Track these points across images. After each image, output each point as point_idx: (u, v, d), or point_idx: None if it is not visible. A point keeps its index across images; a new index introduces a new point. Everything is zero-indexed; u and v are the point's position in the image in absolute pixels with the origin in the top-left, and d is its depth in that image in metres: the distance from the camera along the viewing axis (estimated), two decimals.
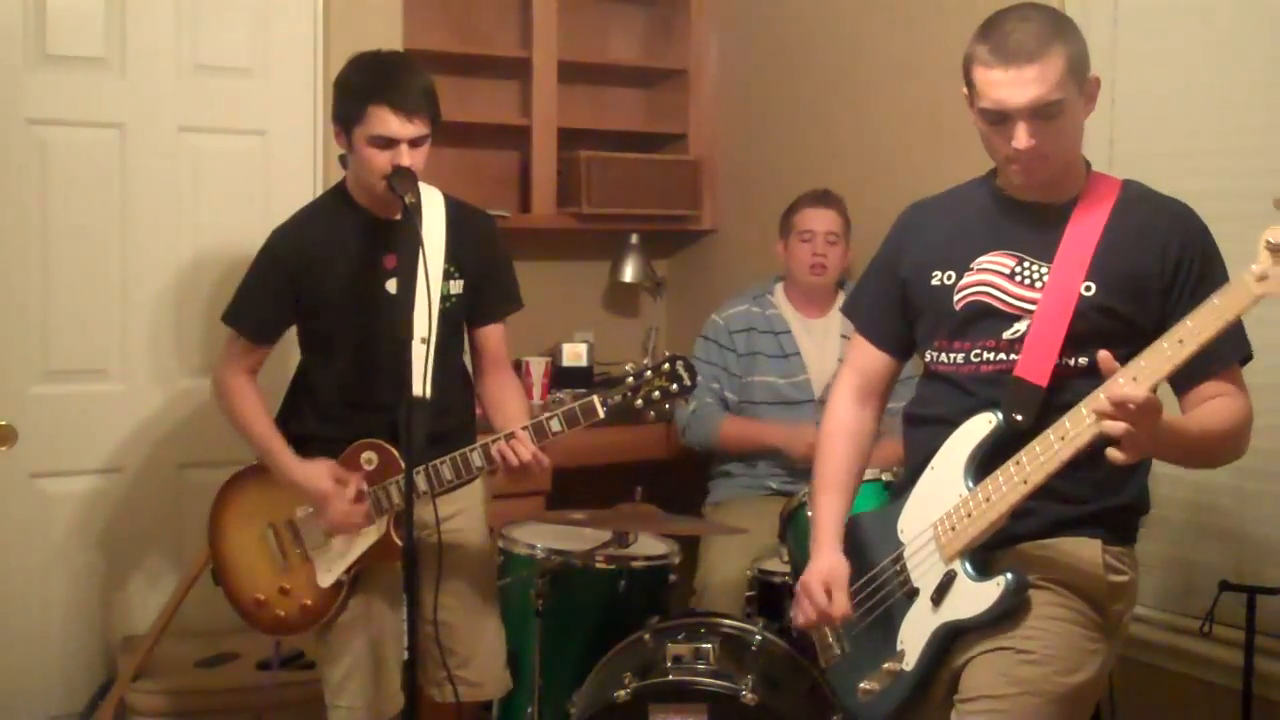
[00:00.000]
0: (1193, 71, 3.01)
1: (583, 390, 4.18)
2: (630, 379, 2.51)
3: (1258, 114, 2.89)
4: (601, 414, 2.51)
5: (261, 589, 2.74)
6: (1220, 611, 2.80)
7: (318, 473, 2.63)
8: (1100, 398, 1.85)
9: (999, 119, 2.05)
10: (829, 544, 2.28)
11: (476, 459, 2.57)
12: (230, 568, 2.79)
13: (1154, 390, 1.83)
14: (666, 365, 2.51)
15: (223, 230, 3.50)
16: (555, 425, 2.53)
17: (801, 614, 2.28)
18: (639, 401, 2.50)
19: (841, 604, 2.22)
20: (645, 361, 2.55)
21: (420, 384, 2.51)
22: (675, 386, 2.50)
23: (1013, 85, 2.00)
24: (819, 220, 3.56)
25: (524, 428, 2.53)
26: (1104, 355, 1.86)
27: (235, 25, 3.53)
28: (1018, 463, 2.01)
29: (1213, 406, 2.02)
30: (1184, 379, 2.01)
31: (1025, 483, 1.99)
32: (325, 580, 2.67)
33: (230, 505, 2.80)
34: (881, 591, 2.21)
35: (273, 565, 2.73)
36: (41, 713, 3.39)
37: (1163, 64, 3.07)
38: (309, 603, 2.69)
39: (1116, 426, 1.81)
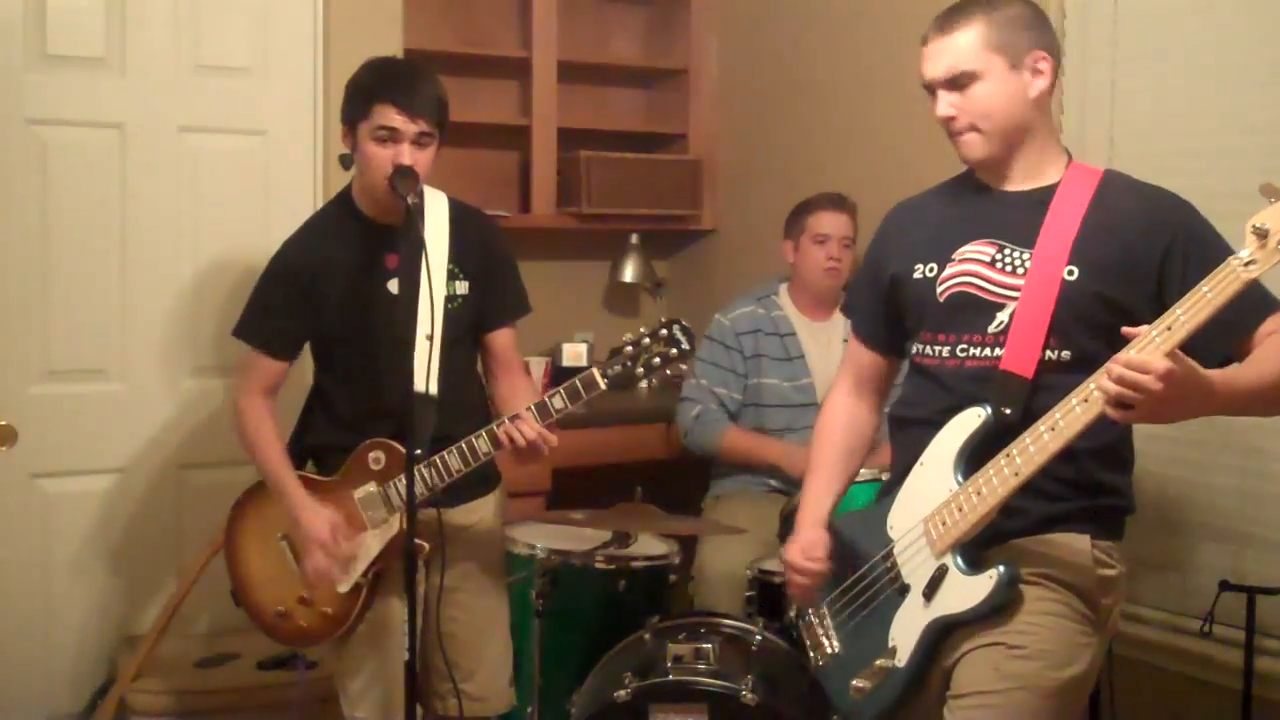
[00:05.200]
0: (1193, 71, 3.01)
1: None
2: (629, 348, 2.49)
3: (1257, 114, 2.89)
4: (603, 385, 2.50)
5: (282, 601, 2.71)
6: (1220, 611, 2.80)
7: (319, 521, 2.61)
8: (1113, 366, 1.83)
9: (929, 93, 2.17)
10: (807, 522, 2.34)
11: (483, 445, 2.55)
12: (248, 585, 2.76)
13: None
14: (664, 331, 2.49)
15: (223, 230, 3.51)
16: (558, 402, 2.52)
17: (794, 588, 2.34)
18: (639, 369, 2.49)
19: (820, 561, 2.28)
20: (642, 330, 2.52)
21: (424, 380, 2.50)
22: (674, 351, 2.48)
23: (928, 59, 2.16)
24: (835, 224, 3.55)
25: (527, 408, 2.53)
26: (1127, 329, 1.86)
27: (235, 25, 3.53)
28: (1008, 456, 2.01)
29: (1269, 347, 2.00)
30: (1229, 340, 2.00)
31: (1017, 475, 2.00)
32: (344, 585, 2.65)
33: (242, 525, 2.78)
34: (872, 589, 2.21)
35: (290, 576, 2.70)
36: (41, 713, 3.38)
37: (1163, 64, 3.08)
38: (330, 610, 2.66)
39: (1125, 393, 1.82)
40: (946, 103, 2.14)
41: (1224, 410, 1.97)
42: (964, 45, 2.11)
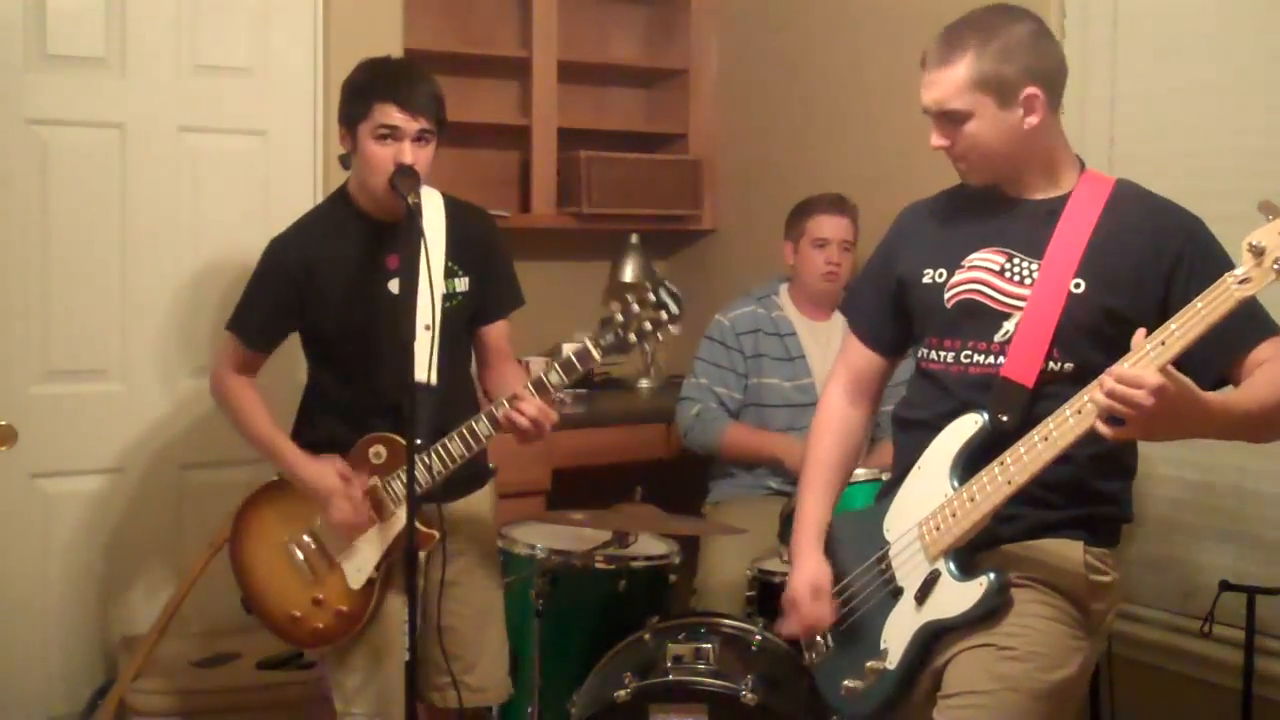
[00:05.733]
0: (1193, 71, 3.01)
1: (583, 390, 4.20)
2: (619, 316, 2.47)
3: (1257, 114, 2.89)
4: (597, 356, 2.49)
5: (295, 605, 2.70)
6: (1220, 611, 2.80)
7: (324, 470, 2.62)
8: (1106, 379, 1.83)
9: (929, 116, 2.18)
10: (810, 548, 2.30)
11: (483, 428, 2.54)
12: (260, 593, 2.75)
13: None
14: (652, 295, 2.46)
15: (223, 230, 3.50)
16: (554, 377, 2.51)
17: (790, 624, 2.31)
18: (631, 336, 2.47)
19: (827, 611, 2.25)
20: (629, 296, 2.49)
21: (424, 370, 2.49)
22: (664, 314, 2.45)
23: (924, 86, 2.15)
24: (834, 228, 3.54)
25: (525, 386, 2.52)
26: (1139, 334, 1.85)
27: (235, 25, 3.53)
28: (1002, 463, 2.01)
29: (1266, 372, 2.00)
30: (1224, 360, 2.01)
31: (1009, 483, 2.00)
32: (357, 582, 2.64)
33: (247, 533, 2.77)
34: (866, 590, 2.22)
35: (301, 579, 2.70)
36: (41, 713, 3.39)
37: (1163, 64, 3.08)
38: (344, 608, 2.66)
39: (1116, 407, 1.82)
40: (939, 134, 2.15)
41: (1218, 434, 1.96)
42: (953, 83, 2.09)
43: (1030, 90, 2.09)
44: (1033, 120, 2.10)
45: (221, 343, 2.80)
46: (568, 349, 4.21)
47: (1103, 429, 1.86)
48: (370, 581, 2.64)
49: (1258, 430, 2.00)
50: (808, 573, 2.28)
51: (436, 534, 2.58)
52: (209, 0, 3.49)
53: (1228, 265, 2.01)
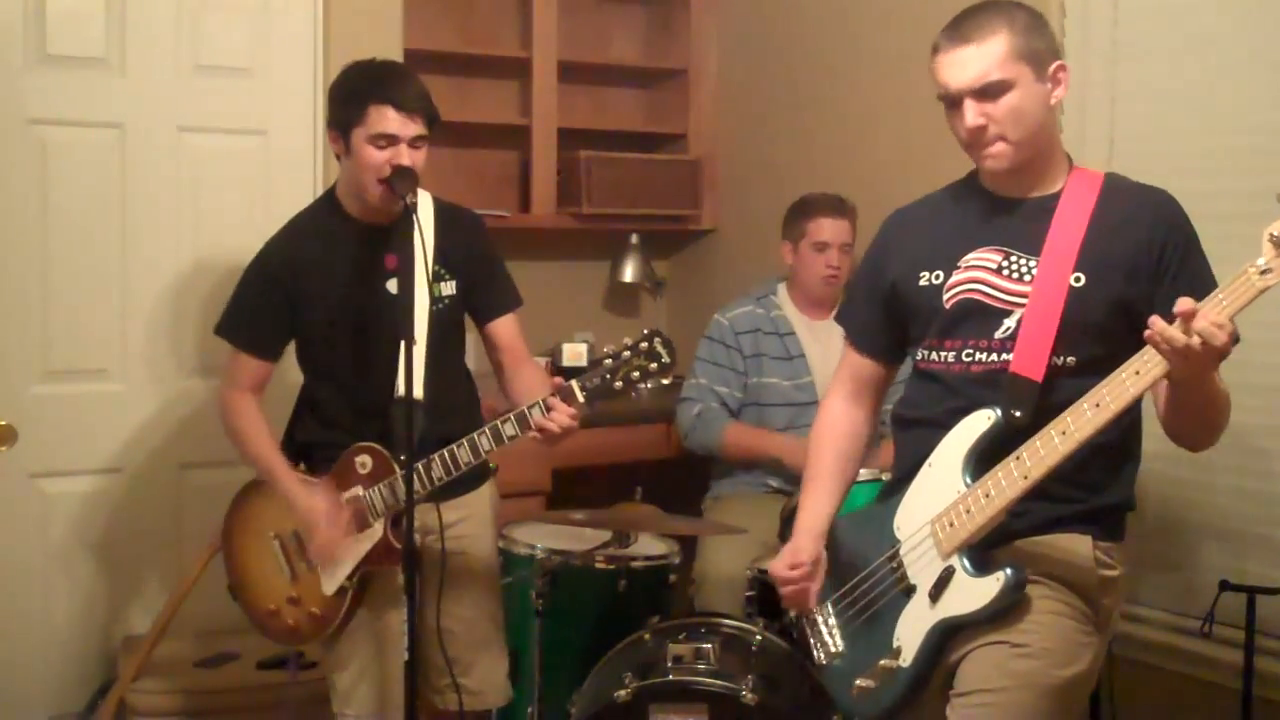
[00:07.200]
0: (1193, 71, 3.01)
1: None
2: (609, 360, 2.47)
3: (1258, 114, 2.89)
4: (581, 398, 2.47)
5: (273, 600, 2.74)
6: (1220, 611, 2.80)
7: (315, 502, 2.63)
8: (1182, 324, 1.82)
9: (951, 102, 2.13)
10: (800, 533, 2.31)
11: (464, 454, 2.56)
12: (244, 581, 2.79)
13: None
14: (645, 343, 2.45)
15: (223, 230, 3.50)
16: (536, 413, 2.51)
17: (786, 599, 2.32)
18: (619, 383, 2.45)
19: (808, 575, 2.25)
20: (625, 340, 2.48)
21: (411, 385, 2.50)
22: (655, 365, 2.45)
23: (954, 66, 2.11)
24: (834, 231, 3.54)
25: (553, 396, 2.48)
26: (1182, 301, 1.82)
27: (235, 25, 3.53)
28: (1018, 458, 2.01)
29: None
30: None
31: (1026, 478, 2.00)
32: (329, 587, 2.66)
33: (239, 520, 2.80)
34: (877, 589, 2.22)
35: (281, 575, 2.73)
36: (41, 713, 3.39)
37: (1163, 64, 3.08)
38: (317, 611, 2.68)
39: (1194, 345, 1.81)
40: (977, 112, 2.09)
41: (1196, 396, 1.96)
42: (993, 56, 2.07)
43: (1058, 63, 2.12)
44: (1060, 94, 2.13)
45: (225, 359, 2.80)
46: (568, 350, 4.27)
47: (1174, 362, 1.84)
48: (343, 589, 2.66)
49: (1207, 416, 2.04)
50: (785, 551, 2.30)
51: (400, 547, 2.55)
52: (209, 0, 3.49)
53: (1201, 256, 2.07)
